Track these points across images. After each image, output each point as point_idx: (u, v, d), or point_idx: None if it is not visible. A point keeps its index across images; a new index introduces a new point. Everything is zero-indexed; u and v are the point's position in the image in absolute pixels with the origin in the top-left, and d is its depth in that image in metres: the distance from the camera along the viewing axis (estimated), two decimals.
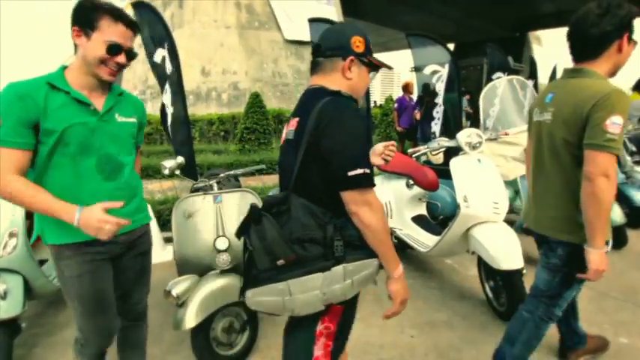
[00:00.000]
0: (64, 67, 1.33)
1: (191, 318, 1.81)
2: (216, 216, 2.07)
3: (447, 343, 2.21)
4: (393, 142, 1.55)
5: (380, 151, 1.56)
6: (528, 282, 2.34)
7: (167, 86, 2.81)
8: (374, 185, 1.05)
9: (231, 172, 2.24)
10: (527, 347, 1.66)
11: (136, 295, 1.62)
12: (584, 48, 1.43)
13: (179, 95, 2.77)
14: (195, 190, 2.35)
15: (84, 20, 1.26)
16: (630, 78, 5.54)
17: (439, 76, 5.79)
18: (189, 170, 2.98)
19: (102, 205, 1.22)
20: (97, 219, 1.19)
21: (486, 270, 2.53)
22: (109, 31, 1.27)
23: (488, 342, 2.16)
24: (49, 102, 1.24)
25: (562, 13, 20.15)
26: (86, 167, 1.32)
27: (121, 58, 1.32)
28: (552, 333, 2.19)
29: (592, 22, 1.37)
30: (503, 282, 2.35)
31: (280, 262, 1.01)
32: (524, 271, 2.25)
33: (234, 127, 9.29)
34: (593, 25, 1.36)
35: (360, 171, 1.01)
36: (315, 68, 1.21)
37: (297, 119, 1.14)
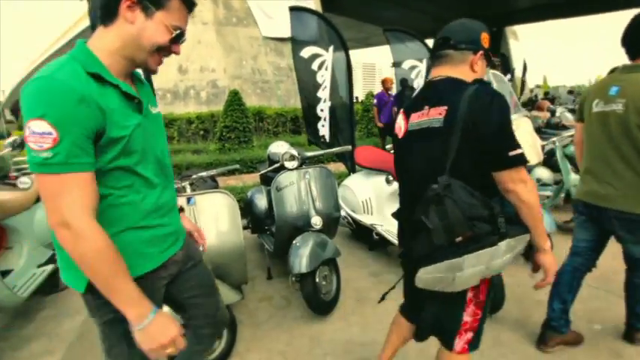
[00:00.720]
0: (85, 42, 0.96)
1: None
2: (190, 219, 2.00)
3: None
4: None
5: None
6: (507, 276, 2.37)
7: None
8: (527, 163, 1.12)
9: (204, 174, 2.17)
10: None
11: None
12: None
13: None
14: None
15: None
16: None
17: (417, 71, 5.83)
18: None
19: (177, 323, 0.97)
20: (171, 336, 0.94)
21: None
22: (179, 16, 0.99)
23: None
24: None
25: (537, 8, 20.67)
26: (147, 177, 1.02)
27: (178, 49, 1.06)
28: (536, 318, 2.23)
29: None
30: None
31: (458, 238, 1.07)
32: None
33: (213, 126, 9.12)
34: None
35: (519, 151, 1.09)
36: (440, 59, 1.27)
37: (445, 107, 1.17)
